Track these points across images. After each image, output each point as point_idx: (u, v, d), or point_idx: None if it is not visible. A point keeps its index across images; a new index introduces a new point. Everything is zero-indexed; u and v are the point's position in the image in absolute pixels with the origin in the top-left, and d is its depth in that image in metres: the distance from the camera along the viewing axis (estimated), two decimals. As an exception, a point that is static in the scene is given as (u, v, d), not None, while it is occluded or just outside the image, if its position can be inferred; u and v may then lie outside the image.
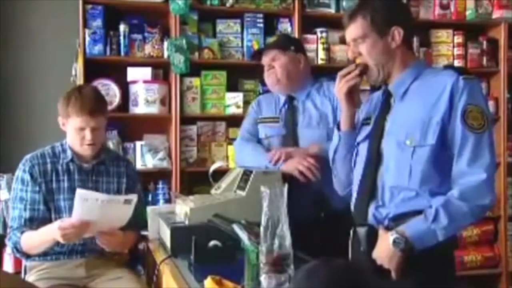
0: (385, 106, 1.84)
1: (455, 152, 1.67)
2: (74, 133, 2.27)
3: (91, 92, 2.33)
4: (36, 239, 2.21)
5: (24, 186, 2.29)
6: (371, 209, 1.78)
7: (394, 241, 1.63)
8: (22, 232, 2.23)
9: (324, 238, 2.25)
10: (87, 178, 2.34)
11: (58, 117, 2.33)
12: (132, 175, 2.49)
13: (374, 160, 1.81)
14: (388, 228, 1.71)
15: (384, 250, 1.67)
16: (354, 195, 1.89)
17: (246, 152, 2.57)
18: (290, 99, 2.57)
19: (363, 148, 1.88)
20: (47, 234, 2.16)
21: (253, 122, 2.66)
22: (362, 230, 1.79)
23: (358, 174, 1.87)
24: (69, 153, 2.32)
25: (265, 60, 2.56)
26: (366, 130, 1.89)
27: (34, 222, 2.25)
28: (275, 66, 2.51)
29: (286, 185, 1.52)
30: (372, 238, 1.73)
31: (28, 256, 2.28)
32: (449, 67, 1.81)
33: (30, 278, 2.28)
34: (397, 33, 1.77)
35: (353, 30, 1.81)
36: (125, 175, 2.43)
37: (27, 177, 2.28)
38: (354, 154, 1.92)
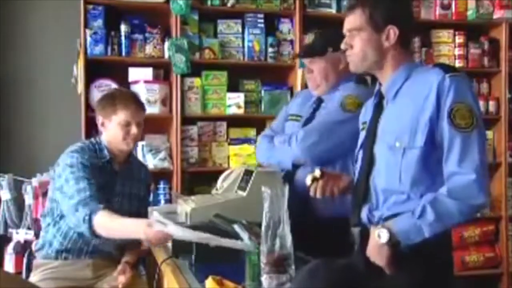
0: (378, 109, 1.83)
1: (444, 153, 1.64)
2: (118, 128, 2.26)
3: (130, 91, 2.33)
4: (119, 226, 2.06)
5: (85, 169, 2.17)
6: (365, 212, 1.77)
7: (378, 235, 1.62)
8: (102, 208, 2.06)
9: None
10: (115, 180, 2.34)
11: (98, 117, 2.32)
12: (150, 183, 2.56)
13: (367, 163, 1.79)
14: None
15: (373, 246, 1.66)
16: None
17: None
18: (319, 99, 2.43)
19: (360, 154, 1.87)
20: (133, 229, 2.01)
21: (282, 117, 2.57)
22: (356, 230, 1.79)
23: (355, 178, 1.87)
24: (106, 152, 2.30)
25: (305, 61, 2.45)
26: (362, 135, 1.88)
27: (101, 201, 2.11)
28: (314, 70, 2.38)
29: (287, 186, 1.52)
30: (366, 238, 1.72)
31: (95, 235, 2.09)
32: (438, 65, 1.78)
33: (35, 277, 2.25)
34: (392, 33, 1.75)
35: (350, 21, 1.80)
36: (145, 182, 2.48)
37: (86, 163, 2.19)
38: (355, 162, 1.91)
